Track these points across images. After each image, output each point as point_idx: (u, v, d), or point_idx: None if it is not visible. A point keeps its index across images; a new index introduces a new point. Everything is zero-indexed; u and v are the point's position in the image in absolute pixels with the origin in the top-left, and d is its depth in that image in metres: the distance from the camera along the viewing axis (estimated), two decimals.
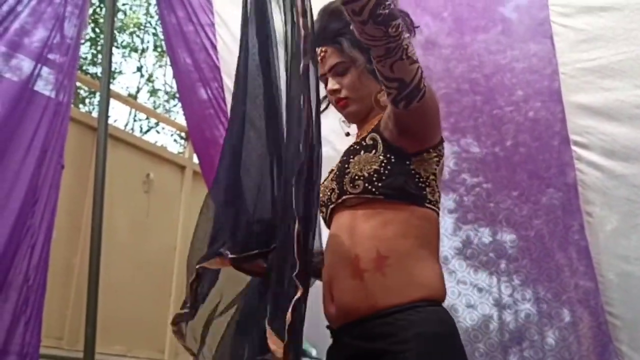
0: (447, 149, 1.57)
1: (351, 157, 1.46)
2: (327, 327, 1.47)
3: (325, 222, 1.54)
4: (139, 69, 13.08)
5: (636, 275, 1.80)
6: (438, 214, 1.47)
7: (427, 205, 1.42)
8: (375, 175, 1.39)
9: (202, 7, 3.11)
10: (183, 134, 5.79)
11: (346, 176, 1.43)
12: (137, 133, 11.12)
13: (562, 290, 2.05)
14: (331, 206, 1.49)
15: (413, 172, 1.42)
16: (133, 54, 12.81)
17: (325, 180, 1.55)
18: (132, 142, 4.30)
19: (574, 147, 1.90)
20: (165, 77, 11.79)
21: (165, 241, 4.33)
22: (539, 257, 2.09)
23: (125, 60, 12.91)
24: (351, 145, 1.51)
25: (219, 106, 3.10)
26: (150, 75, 13.19)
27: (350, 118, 1.60)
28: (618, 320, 1.82)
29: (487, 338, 2.05)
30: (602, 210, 1.83)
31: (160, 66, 13.26)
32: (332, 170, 1.55)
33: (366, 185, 1.39)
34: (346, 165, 1.45)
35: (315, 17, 1.45)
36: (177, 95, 12.39)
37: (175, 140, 12.41)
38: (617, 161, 1.79)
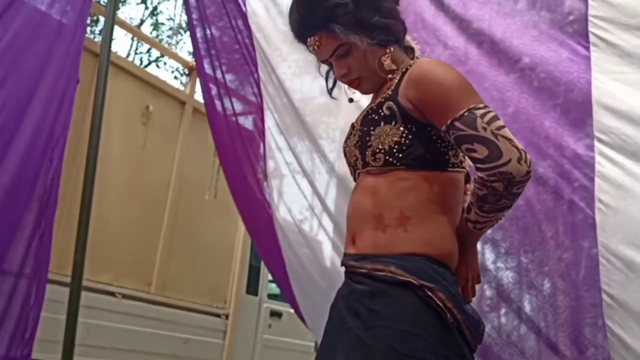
0: None
1: (371, 128, 1.45)
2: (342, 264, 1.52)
3: (354, 180, 1.58)
4: (144, 0, 12.83)
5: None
6: (464, 172, 1.48)
7: (449, 170, 1.44)
8: (396, 147, 1.41)
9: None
10: (186, 70, 5.70)
11: (368, 149, 1.45)
12: None
13: (546, 261, 2.08)
14: (357, 171, 1.53)
15: (435, 137, 1.43)
16: None
17: (348, 138, 1.57)
18: (133, 72, 4.24)
19: (596, 144, 2.00)
20: (169, 10, 11.59)
21: (160, 175, 4.32)
22: (527, 227, 2.11)
23: None
24: (368, 113, 1.49)
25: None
26: (155, 8, 12.94)
27: (367, 93, 1.61)
28: (614, 301, 1.91)
29: None
30: (615, 200, 1.94)
31: None
32: (354, 127, 1.55)
33: (387, 158, 1.42)
34: (367, 138, 1.46)
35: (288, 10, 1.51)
36: (182, 29, 12.19)
37: (175, 77, 12.29)
38: (635, 162, 1.92)
